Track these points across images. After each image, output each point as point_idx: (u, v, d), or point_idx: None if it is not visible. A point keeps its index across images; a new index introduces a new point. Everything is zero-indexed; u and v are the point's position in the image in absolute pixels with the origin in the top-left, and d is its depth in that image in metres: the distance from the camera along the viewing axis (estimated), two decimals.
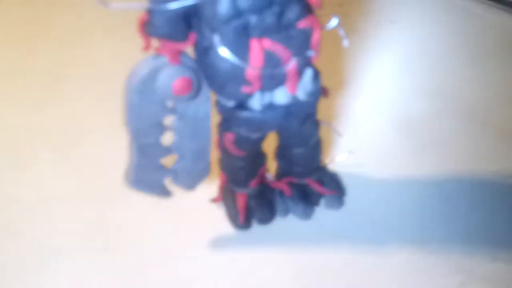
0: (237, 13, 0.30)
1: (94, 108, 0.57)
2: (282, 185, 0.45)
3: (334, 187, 0.46)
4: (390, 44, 0.66)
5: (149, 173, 0.38)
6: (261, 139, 0.39)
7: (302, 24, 0.31)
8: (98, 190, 0.49)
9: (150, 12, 0.31)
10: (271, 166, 0.46)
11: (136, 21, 0.32)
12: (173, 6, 0.30)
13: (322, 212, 0.46)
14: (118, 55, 0.64)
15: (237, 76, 0.32)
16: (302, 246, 0.44)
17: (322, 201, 0.46)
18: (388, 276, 0.41)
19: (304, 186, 0.45)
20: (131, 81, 0.33)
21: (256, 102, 0.35)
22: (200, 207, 0.46)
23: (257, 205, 0.44)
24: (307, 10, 0.32)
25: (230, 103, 0.36)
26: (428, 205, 0.46)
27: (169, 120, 0.36)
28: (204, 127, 0.37)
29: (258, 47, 0.31)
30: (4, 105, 0.58)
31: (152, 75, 0.33)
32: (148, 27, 0.31)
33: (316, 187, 0.45)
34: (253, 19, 0.30)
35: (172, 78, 0.32)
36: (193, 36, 0.32)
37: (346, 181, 0.47)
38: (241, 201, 0.44)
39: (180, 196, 0.42)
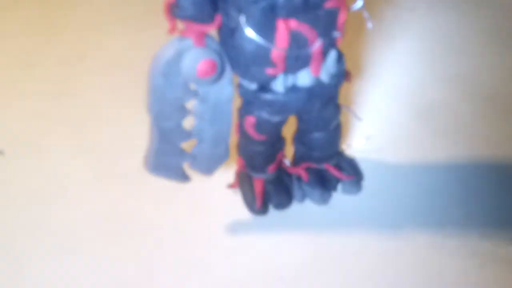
0: None
1: (111, 96, 0.57)
2: (300, 171, 0.45)
3: (352, 172, 0.46)
4: (408, 30, 0.66)
5: (168, 157, 0.38)
6: (282, 123, 0.39)
7: (330, 4, 0.31)
8: (115, 176, 0.48)
9: None
10: (288, 152, 0.46)
11: (153, 11, 0.32)
12: None
13: (339, 197, 0.46)
14: (135, 45, 0.64)
15: (262, 57, 0.32)
16: (319, 231, 0.44)
17: (339, 186, 0.46)
18: (407, 259, 0.42)
19: (321, 171, 0.45)
20: (156, 64, 0.33)
21: (280, 85, 0.35)
22: (217, 192, 0.46)
23: (274, 190, 0.44)
24: None
25: (253, 86, 0.36)
26: (446, 190, 0.46)
27: (191, 104, 0.36)
28: (225, 111, 0.37)
29: (284, 28, 0.30)
30: (23, 94, 0.58)
31: (177, 58, 0.32)
32: (174, 9, 0.30)
33: (333, 172, 0.45)
34: None
35: (196, 60, 0.32)
36: (218, 18, 0.32)
37: (364, 166, 0.47)
38: (258, 186, 0.44)
39: (197, 182, 0.42)
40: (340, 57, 0.36)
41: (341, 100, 0.42)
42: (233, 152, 0.43)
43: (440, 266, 0.41)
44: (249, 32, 0.31)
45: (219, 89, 0.35)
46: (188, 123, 0.37)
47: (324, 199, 0.45)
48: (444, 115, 0.54)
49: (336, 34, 0.33)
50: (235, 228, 0.44)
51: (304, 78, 0.35)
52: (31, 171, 0.49)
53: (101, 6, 0.73)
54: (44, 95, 0.58)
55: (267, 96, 0.35)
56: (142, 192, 0.47)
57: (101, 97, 0.57)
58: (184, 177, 0.40)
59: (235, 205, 0.45)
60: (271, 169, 0.44)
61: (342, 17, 0.32)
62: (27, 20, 0.70)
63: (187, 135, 0.37)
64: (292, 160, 0.46)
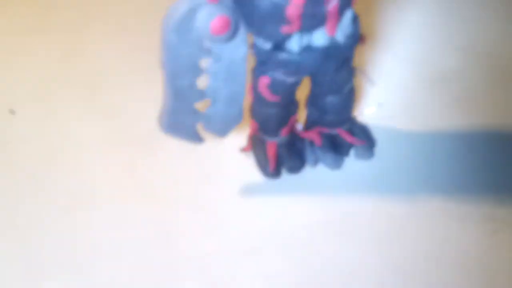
0: None
1: (121, 60, 0.57)
2: (313, 135, 0.45)
3: (364, 138, 0.46)
4: None
5: (183, 117, 0.38)
6: (296, 84, 0.39)
7: None
8: (127, 138, 0.49)
9: None
10: (301, 116, 0.46)
11: None
12: None
13: (352, 163, 0.46)
14: (142, 9, 0.64)
15: (277, 14, 0.32)
16: (332, 195, 0.44)
17: (352, 152, 0.46)
18: (420, 224, 0.42)
19: (334, 136, 0.45)
20: (169, 20, 0.33)
21: (295, 44, 0.35)
22: (230, 156, 0.47)
23: (287, 154, 0.44)
24: None
25: (267, 45, 0.36)
26: (458, 157, 0.46)
27: (205, 62, 0.36)
28: (239, 71, 0.37)
29: None
30: (30, 58, 0.58)
31: (190, 14, 0.32)
32: None
33: (346, 137, 0.45)
34: None
35: (210, 17, 0.32)
36: None
37: (376, 133, 0.47)
38: (271, 150, 0.44)
39: (210, 145, 0.42)
40: (355, 18, 0.36)
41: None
42: (246, 115, 0.43)
43: (452, 231, 0.41)
44: None
45: (233, 48, 0.35)
46: (202, 83, 0.37)
47: (337, 164, 0.45)
48: (456, 83, 0.53)
49: None
50: (248, 190, 0.44)
51: (319, 37, 0.35)
52: (42, 131, 0.50)
53: None
54: (54, 58, 0.58)
55: (282, 56, 0.35)
56: (156, 154, 0.47)
57: (112, 60, 0.57)
58: (198, 138, 0.40)
59: (248, 168, 0.46)
60: (284, 132, 0.44)
61: None
62: None
63: (201, 94, 0.37)
64: (304, 124, 0.46)
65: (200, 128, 0.40)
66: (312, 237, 0.41)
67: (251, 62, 0.38)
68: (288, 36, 0.34)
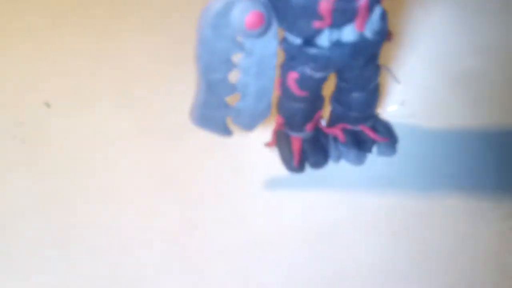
0: None
1: (150, 53, 0.59)
2: (336, 131, 0.46)
3: (387, 135, 0.47)
4: None
5: (214, 110, 0.39)
6: (324, 79, 0.40)
7: None
8: (156, 131, 0.50)
9: None
10: (324, 112, 0.47)
11: None
12: None
13: (374, 159, 0.47)
14: (171, 4, 0.65)
15: (310, 9, 0.33)
16: (354, 190, 0.45)
17: (375, 148, 0.47)
18: (440, 219, 0.42)
19: (357, 133, 0.46)
20: (206, 15, 0.34)
21: (325, 39, 0.36)
22: (255, 150, 0.48)
23: (311, 149, 0.45)
24: None
25: (298, 41, 0.37)
26: (479, 155, 0.47)
27: (237, 57, 0.37)
28: (269, 66, 0.38)
29: None
30: (65, 52, 0.59)
31: (227, 9, 0.33)
32: None
33: (369, 134, 0.46)
34: None
35: (245, 12, 0.33)
36: None
37: (398, 131, 0.48)
38: (296, 145, 0.45)
39: (235, 138, 0.43)
40: (384, 15, 0.37)
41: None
42: (273, 110, 0.44)
43: (471, 228, 0.42)
44: None
45: (264, 43, 0.36)
46: (234, 77, 0.38)
47: (359, 160, 0.46)
48: (478, 83, 0.54)
49: None
50: (272, 184, 0.45)
51: (348, 33, 0.36)
52: (75, 124, 0.51)
53: None
54: (87, 52, 0.59)
55: (312, 51, 0.36)
56: (184, 147, 0.48)
57: (142, 55, 0.58)
58: (227, 131, 0.41)
59: (272, 162, 0.47)
60: (309, 128, 0.45)
61: None
62: None
63: (232, 88, 0.38)
64: (328, 120, 0.47)
65: (229, 121, 0.41)
66: (333, 231, 0.42)
67: (280, 58, 0.40)
68: (318, 32, 0.35)
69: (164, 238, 0.42)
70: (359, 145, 0.46)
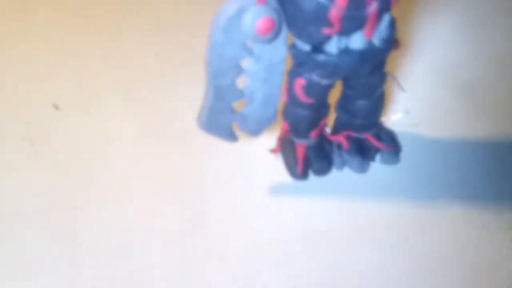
0: None
1: (158, 57, 0.59)
2: (341, 138, 0.46)
3: (391, 143, 0.47)
4: (453, 5, 0.66)
5: (221, 115, 0.39)
6: (330, 86, 0.40)
7: None
8: (163, 134, 0.50)
9: None
10: (329, 120, 0.47)
11: None
12: None
13: (378, 167, 0.47)
14: (179, 13, 0.65)
15: (320, 16, 0.33)
16: (356, 198, 0.45)
17: (378, 156, 0.47)
18: (441, 229, 0.43)
19: (361, 141, 0.46)
20: (218, 20, 0.34)
21: (333, 46, 0.36)
22: (259, 155, 0.48)
23: (315, 156, 0.46)
24: None
25: (306, 47, 0.37)
26: (481, 165, 0.47)
27: (245, 62, 0.37)
28: (277, 72, 0.38)
29: None
30: (74, 54, 0.60)
31: (239, 14, 0.34)
32: None
33: (373, 142, 0.46)
34: None
35: (257, 17, 0.33)
36: None
37: (402, 139, 0.48)
38: (300, 152, 0.45)
39: (240, 144, 0.43)
40: (392, 23, 0.37)
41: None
42: (278, 116, 0.44)
43: (472, 238, 0.42)
44: None
45: (273, 49, 0.37)
46: (241, 83, 0.39)
47: (363, 168, 0.47)
48: (483, 93, 0.54)
49: None
50: (275, 190, 0.46)
51: (357, 40, 0.36)
52: (83, 126, 0.51)
53: None
54: (96, 55, 0.59)
55: (320, 57, 0.37)
56: (189, 151, 0.48)
57: (151, 58, 0.59)
58: (233, 137, 0.41)
59: (276, 168, 0.47)
60: (313, 135, 0.45)
61: None
62: None
63: (240, 94, 0.39)
64: (332, 128, 0.48)
65: (235, 126, 0.41)
66: (335, 238, 0.42)
67: (287, 64, 0.40)
68: (327, 38, 0.36)
69: (165, 239, 0.42)
70: (363, 153, 0.46)
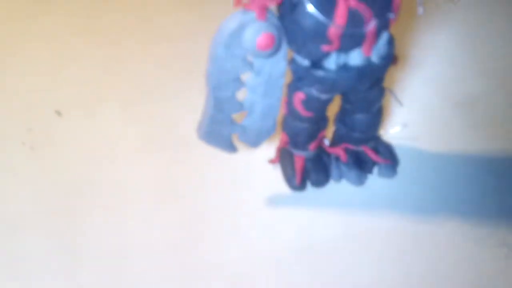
0: None
1: (161, 66, 0.59)
2: (339, 151, 0.47)
3: (388, 157, 0.47)
4: (452, 20, 0.66)
5: (220, 126, 0.40)
6: (329, 101, 0.41)
7: None
8: (163, 143, 0.51)
9: None
10: (328, 132, 0.48)
11: None
12: None
13: (375, 180, 0.48)
14: (180, 22, 0.66)
15: (319, 33, 0.34)
16: (353, 210, 0.45)
17: (375, 169, 0.48)
18: (435, 243, 0.43)
19: (359, 153, 0.47)
20: (220, 35, 0.35)
21: (332, 62, 0.37)
22: (258, 166, 0.48)
23: (313, 168, 0.46)
24: None
25: (306, 62, 0.38)
26: (478, 180, 0.48)
27: (246, 76, 0.38)
28: (277, 86, 0.39)
29: (344, 6, 0.32)
30: (77, 61, 0.60)
31: (240, 29, 0.34)
32: None
33: (371, 155, 0.47)
34: None
35: (257, 33, 0.34)
36: None
37: (399, 153, 0.48)
38: (298, 163, 0.46)
39: (240, 154, 0.44)
40: (391, 40, 0.38)
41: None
42: (277, 128, 0.45)
43: (467, 253, 0.42)
44: (310, 8, 0.33)
45: (273, 63, 0.37)
46: (241, 95, 0.39)
47: (360, 180, 0.47)
48: (481, 108, 0.55)
49: (391, 15, 0.35)
50: (273, 201, 0.46)
51: (355, 57, 0.37)
52: (84, 133, 0.52)
53: None
54: (99, 63, 0.60)
55: (319, 73, 0.37)
56: (188, 161, 0.49)
57: (153, 68, 0.59)
58: (232, 148, 0.42)
59: (274, 179, 0.47)
60: (312, 147, 0.45)
61: (398, 0, 0.34)
62: None
63: (240, 106, 0.39)
64: (331, 140, 0.48)
65: (234, 138, 0.42)
66: (332, 249, 0.43)
67: (288, 77, 0.40)
68: (326, 55, 0.36)
69: (163, 248, 0.43)
70: (360, 165, 0.47)
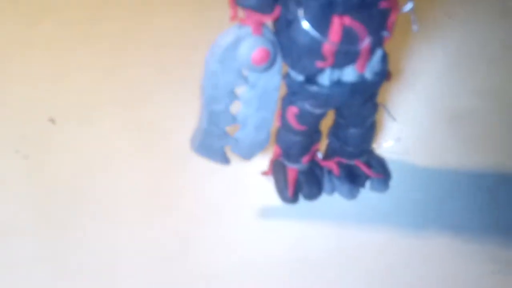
0: None
1: (157, 76, 0.60)
2: (331, 164, 0.47)
3: (381, 171, 0.48)
4: (446, 36, 0.67)
5: (214, 139, 0.40)
6: (322, 116, 0.41)
7: (383, 4, 0.33)
8: (157, 153, 0.51)
9: None
10: (321, 146, 0.48)
11: None
12: None
13: (367, 194, 0.48)
14: (182, 27, 0.66)
15: (314, 50, 0.34)
16: (345, 224, 0.45)
17: (368, 183, 0.48)
18: (425, 259, 0.43)
19: (351, 167, 0.47)
20: (215, 50, 0.35)
21: (326, 78, 0.37)
22: (251, 178, 0.49)
23: (305, 181, 0.46)
24: None
25: (300, 78, 0.38)
26: (469, 196, 0.48)
27: (240, 90, 0.38)
28: (271, 100, 0.39)
29: (339, 23, 0.33)
30: (72, 69, 0.61)
31: (235, 44, 0.35)
32: None
33: (363, 169, 0.47)
34: None
35: (253, 48, 0.34)
36: (278, 10, 0.34)
37: (392, 167, 0.49)
38: (291, 176, 0.46)
39: (233, 166, 0.44)
40: (384, 57, 0.38)
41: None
42: (271, 140, 0.45)
43: (455, 268, 0.43)
44: (305, 25, 0.33)
45: (268, 77, 0.38)
46: (235, 108, 0.39)
47: (352, 194, 0.47)
48: (474, 124, 0.55)
49: (385, 33, 0.35)
50: (265, 213, 0.46)
51: (349, 73, 0.37)
52: (78, 141, 0.52)
53: None
54: (95, 70, 0.60)
55: (313, 88, 0.38)
56: (182, 171, 0.49)
57: (149, 77, 0.60)
58: (225, 160, 0.42)
59: (267, 191, 0.48)
60: (305, 160, 0.46)
61: (392, 17, 0.34)
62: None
63: (233, 119, 0.39)
64: (324, 153, 0.48)
65: (227, 149, 0.42)
66: (323, 262, 0.43)
67: (282, 90, 0.41)
68: (320, 71, 0.37)
69: (155, 259, 0.43)
70: (353, 179, 0.47)
